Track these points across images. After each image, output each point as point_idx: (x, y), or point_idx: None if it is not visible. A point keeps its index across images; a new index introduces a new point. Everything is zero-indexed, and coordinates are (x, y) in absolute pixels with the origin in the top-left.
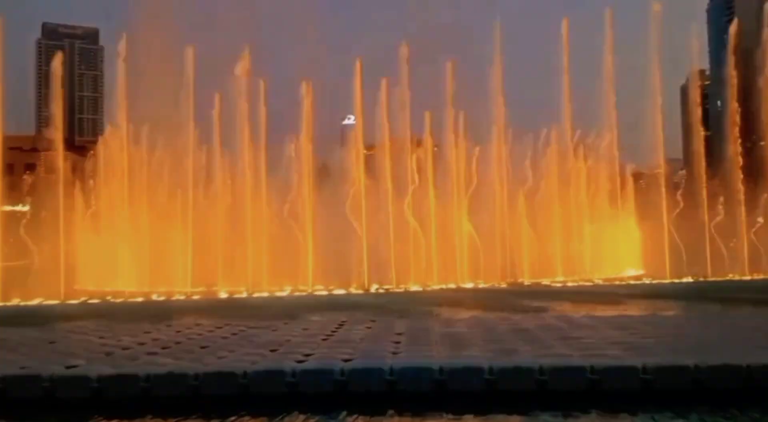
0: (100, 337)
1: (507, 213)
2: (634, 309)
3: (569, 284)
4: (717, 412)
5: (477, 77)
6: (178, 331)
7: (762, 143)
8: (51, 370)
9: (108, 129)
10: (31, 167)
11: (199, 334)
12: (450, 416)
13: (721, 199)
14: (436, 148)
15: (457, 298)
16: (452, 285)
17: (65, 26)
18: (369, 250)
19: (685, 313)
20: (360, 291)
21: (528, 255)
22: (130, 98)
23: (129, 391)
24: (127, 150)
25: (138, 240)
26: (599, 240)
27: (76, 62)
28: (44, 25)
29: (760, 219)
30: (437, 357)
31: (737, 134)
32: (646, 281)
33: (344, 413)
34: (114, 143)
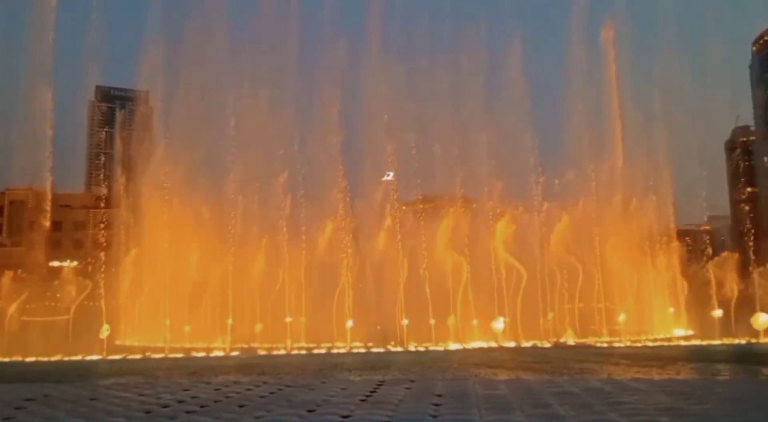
0: (140, 395)
1: (550, 272)
2: (685, 373)
3: (616, 345)
4: None
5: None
6: (217, 389)
7: None
8: None
9: (147, 191)
10: (79, 225)
11: (237, 393)
12: None
13: None
14: (474, 205)
15: (498, 358)
16: (493, 344)
17: (117, 89)
18: (407, 307)
19: (740, 377)
20: (398, 349)
21: (571, 313)
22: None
23: None
24: (168, 212)
25: (179, 297)
26: (645, 299)
27: (126, 123)
28: (97, 88)
29: None
30: (479, 421)
31: None
32: (696, 342)
33: None
34: (154, 205)
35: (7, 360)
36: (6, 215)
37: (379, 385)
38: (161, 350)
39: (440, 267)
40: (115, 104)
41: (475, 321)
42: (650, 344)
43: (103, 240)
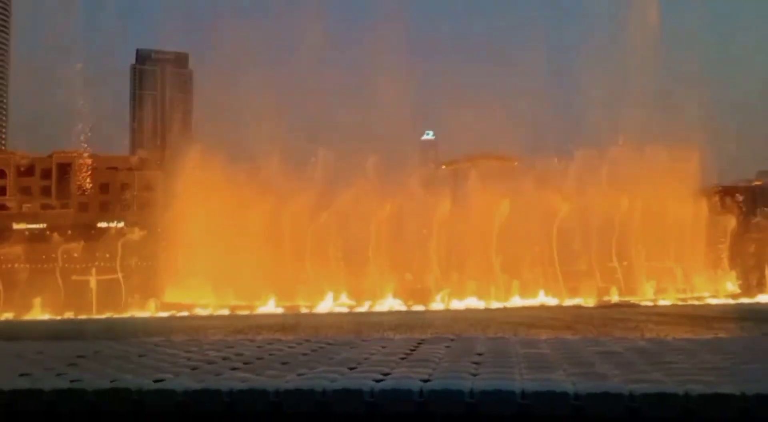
0: (187, 351)
1: (595, 227)
2: (732, 331)
3: (661, 303)
4: None
5: None
6: (260, 347)
7: None
8: (139, 384)
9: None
10: (125, 186)
11: (280, 350)
12: None
13: None
14: (516, 163)
15: (540, 317)
16: (535, 302)
17: (157, 51)
18: (447, 265)
19: None
20: (440, 307)
21: (618, 271)
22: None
23: (212, 406)
24: (213, 173)
25: (224, 256)
26: (693, 255)
27: (167, 85)
28: (138, 51)
29: None
30: (519, 380)
31: None
32: (745, 300)
33: None
34: (202, 166)
35: (59, 317)
36: (54, 178)
37: (419, 343)
38: (208, 307)
39: (485, 227)
40: (155, 67)
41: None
42: (696, 302)
43: (149, 201)
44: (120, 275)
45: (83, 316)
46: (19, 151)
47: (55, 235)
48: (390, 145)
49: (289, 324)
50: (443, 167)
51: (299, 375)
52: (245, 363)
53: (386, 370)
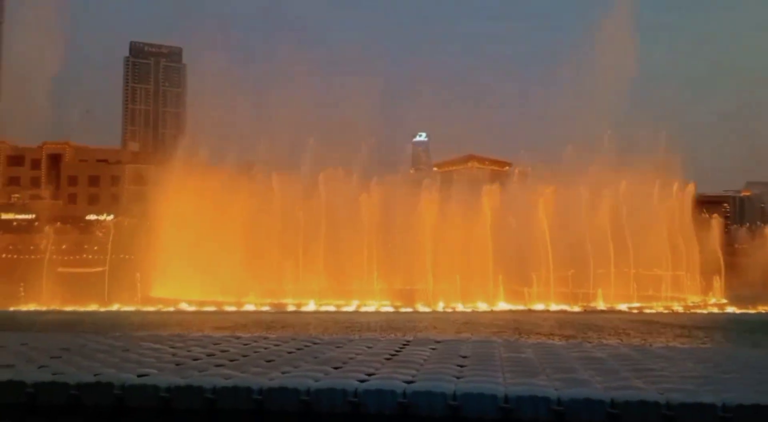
0: (172, 347)
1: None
2: (715, 341)
3: (646, 311)
4: None
5: None
6: (246, 344)
7: None
8: (122, 379)
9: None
10: (115, 179)
11: (265, 348)
12: None
13: None
14: (507, 167)
15: (526, 321)
16: (521, 307)
17: (151, 45)
18: (436, 268)
19: None
20: (427, 309)
21: (605, 278)
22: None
23: (195, 402)
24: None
25: (211, 251)
26: (679, 265)
27: (160, 79)
28: (132, 44)
29: None
30: (503, 383)
31: None
32: (731, 310)
33: None
34: (192, 161)
35: (44, 309)
36: (44, 168)
37: (404, 345)
38: (194, 303)
39: (479, 229)
40: (149, 60)
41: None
42: (680, 310)
43: (138, 194)
44: (107, 268)
45: (68, 308)
46: (8, 140)
47: (43, 226)
48: (382, 145)
49: (275, 321)
50: (435, 169)
51: (283, 373)
52: (230, 361)
53: (370, 371)
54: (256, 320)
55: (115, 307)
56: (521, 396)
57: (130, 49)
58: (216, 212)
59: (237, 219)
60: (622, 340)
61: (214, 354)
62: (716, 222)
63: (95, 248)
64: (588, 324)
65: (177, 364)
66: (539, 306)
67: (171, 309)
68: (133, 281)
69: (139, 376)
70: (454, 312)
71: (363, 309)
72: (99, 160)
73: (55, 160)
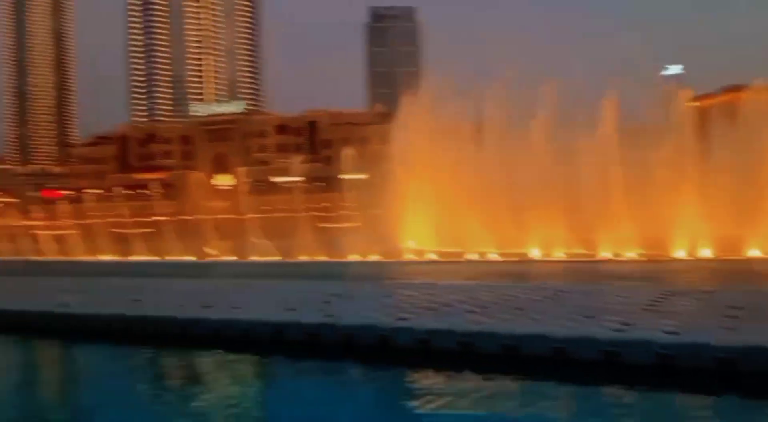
0: (427, 294)
1: None
2: None
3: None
4: None
5: None
6: (494, 292)
7: None
8: (385, 323)
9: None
10: (364, 140)
11: (514, 296)
12: None
13: None
14: None
15: None
16: None
17: (387, 8)
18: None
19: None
20: (689, 258)
21: None
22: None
23: (448, 345)
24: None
25: (450, 206)
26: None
27: (397, 41)
28: (370, 10)
29: None
30: None
31: None
32: None
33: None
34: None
35: (315, 259)
36: (306, 134)
37: (665, 295)
38: (447, 255)
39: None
40: (385, 23)
41: None
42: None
43: (384, 154)
44: (360, 223)
45: (336, 260)
46: (275, 112)
47: (305, 187)
48: (627, 84)
49: (519, 271)
50: (687, 104)
51: (533, 319)
52: (480, 307)
53: (627, 320)
54: (501, 270)
55: (375, 258)
56: None
57: (370, 15)
58: (452, 167)
59: (472, 175)
60: None
61: (464, 301)
62: None
63: (349, 205)
64: None
65: (431, 310)
66: None
67: (424, 260)
68: (384, 234)
69: (398, 320)
70: (712, 260)
71: (614, 257)
72: (347, 123)
73: (314, 126)
